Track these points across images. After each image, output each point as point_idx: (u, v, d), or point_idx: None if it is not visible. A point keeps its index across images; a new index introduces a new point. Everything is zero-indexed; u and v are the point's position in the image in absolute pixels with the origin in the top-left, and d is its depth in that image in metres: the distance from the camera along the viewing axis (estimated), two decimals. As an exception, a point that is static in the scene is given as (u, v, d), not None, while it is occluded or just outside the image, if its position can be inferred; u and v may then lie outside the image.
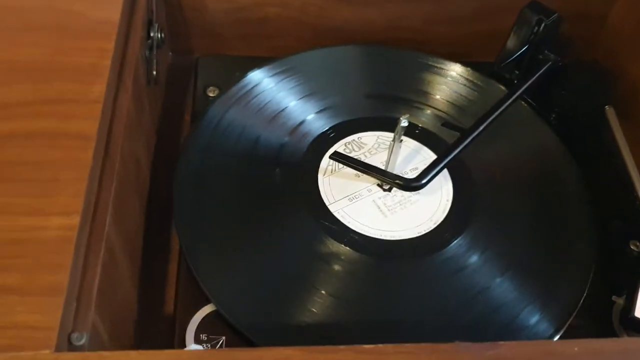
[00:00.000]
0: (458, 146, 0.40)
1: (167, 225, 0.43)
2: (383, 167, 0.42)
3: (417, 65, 0.49)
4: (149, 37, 0.42)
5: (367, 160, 0.43)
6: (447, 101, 0.47)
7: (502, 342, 0.25)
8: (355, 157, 0.43)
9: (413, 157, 0.44)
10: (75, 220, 0.27)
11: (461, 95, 0.47)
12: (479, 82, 0.48)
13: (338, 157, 0.41)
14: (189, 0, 0.50)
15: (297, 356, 0.24)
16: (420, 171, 0.40)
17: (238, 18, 0.52)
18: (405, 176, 0.41)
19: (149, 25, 0.42)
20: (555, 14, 0.46)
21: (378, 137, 0.45)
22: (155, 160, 0.44)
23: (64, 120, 0.31)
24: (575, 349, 0.25)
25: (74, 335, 0.26)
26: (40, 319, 0.25)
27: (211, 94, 0.48)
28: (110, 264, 0.31)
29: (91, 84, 0.33)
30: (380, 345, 0.25)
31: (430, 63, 0.49)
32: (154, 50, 0.42)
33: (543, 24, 0.46)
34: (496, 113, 0.42)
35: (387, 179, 0.39)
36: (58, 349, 0.24)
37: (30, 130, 0.31)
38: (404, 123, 0.38)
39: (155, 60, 0.42)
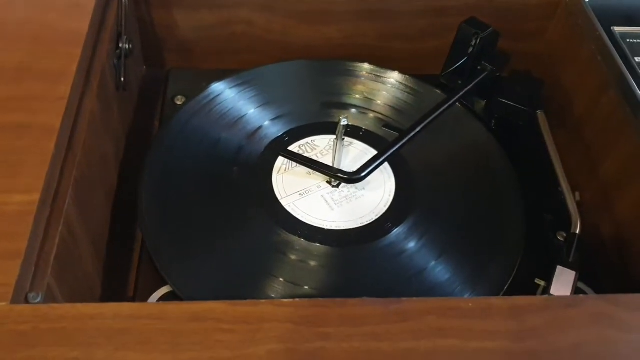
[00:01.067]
0: (395, 145, 0.44)
1: (135, 220, 0.46)
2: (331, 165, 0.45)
3: (361, 75, 0.54)
4: (117, 47, 0.46)
5: (319, 160, 0.47)
6: (389, 106, 0.51)
7: (405, 298, 0.29)
8: (308, 157, 0.47)
9: (360, 157, 0.48)
10: (35, 197, 0.31)
11: (401, 100, 0.51)
12: (417, 88, 0.52)
13: (287, 154, 0.45)
14: (160, 17, 0.55)
15: (220, 308, 0.28)
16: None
17: (207, 35, 0.57)
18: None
19: (118, 37, 0.47)
20: (490, 29, 0.50)
21: (330, 140, 0.49)
22: (125, 160, 0.48)
23: (31, 114, 0.35)
24: (470, 304, 0.29)
25: (31, 295, 0.29)
26: (-3, 277, 0.28)
27: (178, 102, 0.53)
28: (70, 240, 0.34)
29: (58, 84, 0.37)
30: (297, 300, 0.28)
31: (373, 73, 0.53)
32: (123, 59, 0.46)
33: (479, 38, 0.50)
34: (432, 116, 0.46)
35: (330, 173, 0.43)
36: (14, 303, 0.28)
37: (-1, 122, 0.35)
38: (343, 122, 0.42)
39: (123, 69, 0.46)
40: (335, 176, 0.43)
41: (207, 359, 0.26)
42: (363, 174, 0.42)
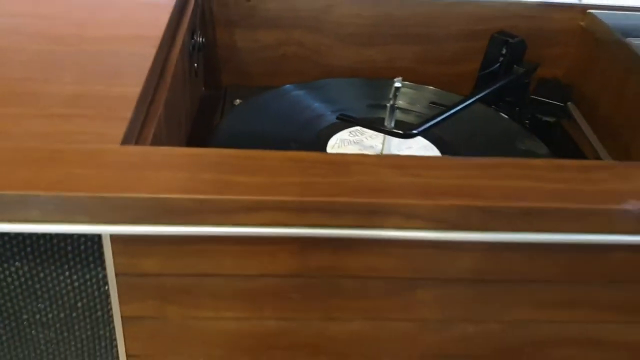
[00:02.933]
0: (443, 114, 0.48)
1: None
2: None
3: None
4: (192, 38, 0.53)
5: (366, 143, 0.51)
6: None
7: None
8: (358, 141, 0.51)
9: (405, 142, 0.52)
10: (137, 89, 0.35)
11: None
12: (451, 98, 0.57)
13: (344, 117, 0.49)
14: (223, 38, 0.62)
15: (313, 156, 0.30)
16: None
17: (262, 56, 0.64)
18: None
19: (192, 32, 0.53)
20: (519, 37, 0.57)
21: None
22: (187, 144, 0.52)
23: (126, 45, 0.41)
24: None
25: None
26: (107, 130, 0.31)
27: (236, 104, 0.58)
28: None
29: (151, 29, 0.43)
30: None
31: (411, 89, 0.60)
32: (196, 50, 0.52)
33: (508, 44, 0.57)
34: (478, 95, 0.51)
35: (385, 130, 0.47)
36: (121, 150, 0.30)
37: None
38: (397, 84, 0.47)
39: (196, 57, 0.52)
40: (391, 132, 0.46)
41: (304, 183, 0.28)
42: (415, 131, 0.46)
